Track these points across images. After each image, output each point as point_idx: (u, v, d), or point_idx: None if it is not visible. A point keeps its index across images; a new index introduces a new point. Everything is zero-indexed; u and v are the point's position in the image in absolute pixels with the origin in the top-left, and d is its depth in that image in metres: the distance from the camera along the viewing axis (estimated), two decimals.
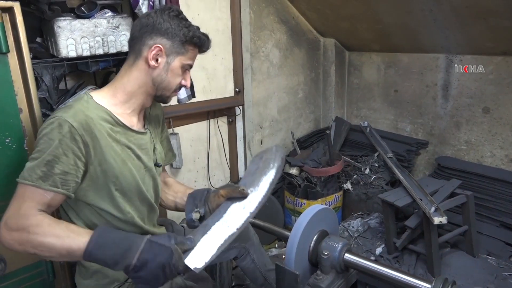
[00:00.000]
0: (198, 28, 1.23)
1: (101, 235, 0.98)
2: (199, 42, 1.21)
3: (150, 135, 1.32)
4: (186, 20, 1.21)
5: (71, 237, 0.98)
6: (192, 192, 1.37)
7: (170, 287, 1.26)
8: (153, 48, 1.16)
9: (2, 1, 1.25)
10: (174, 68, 1.19)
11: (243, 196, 1.21)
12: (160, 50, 1.16)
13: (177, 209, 1.46)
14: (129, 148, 1.21)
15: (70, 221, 1.19)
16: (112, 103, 1.19)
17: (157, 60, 1.17)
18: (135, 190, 1.24)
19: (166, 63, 1.18)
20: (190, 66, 1.24)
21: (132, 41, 1.20)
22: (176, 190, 1.47)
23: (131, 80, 1.19)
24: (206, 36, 1.24)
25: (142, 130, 1.28)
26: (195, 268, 0.97)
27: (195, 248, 1.02)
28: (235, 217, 1.14)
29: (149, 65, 1.17)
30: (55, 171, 1.03)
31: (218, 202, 1.27)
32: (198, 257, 0.99)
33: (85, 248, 0.95)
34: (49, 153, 1.03)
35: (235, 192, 1.23)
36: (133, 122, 1.25)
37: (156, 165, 1.33)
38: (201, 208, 1.29)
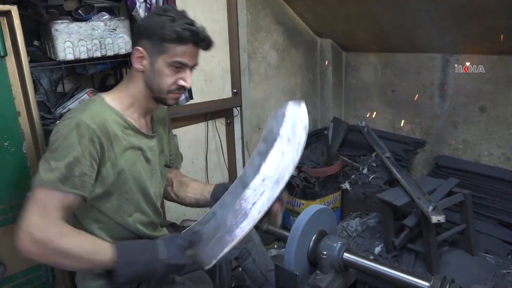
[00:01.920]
0: (187, 23, 1.12)
1: (123, 251, 1.00)
2: (176, 39, 1.10)
3: (158, 137, 1.34)
4: (170, 16, 1.11)
5: (96, 251, 0.99)
6: (215, 189, 1.43)
7: None
8: (134, 51, 1.15)
9: None
10: (159, 69, 1.14)
11: None
12: (140, 52, 1.14)
13: (198, 205, 1.49)
14: (140, 150, 1.22)
15: (77, 220, 1.19)
16: (122, 106, 1.20)
17: (142, 63, 1.16)
18: (142, 192, 1.25)
19: (150, 64, 1.15)
20: (182, 64, 1.15)
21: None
22: (195, 187, 1.49)
23: (132, 84, 1.20)
24: (190, 30, 1.11)
25: (151, 133, 1.29)
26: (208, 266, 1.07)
27: (207, 246, 1.09)
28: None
29: (137, 69, 1.17)
30: (75, 173, 1.01)
31: None
32: (209, 256, 1.08)
33: (113, 266, 0.98)
34: (68, 154, 1.01)
35: None
36: (142, 124, 1.26)
37: (167, 166, 1.38)
38: None
